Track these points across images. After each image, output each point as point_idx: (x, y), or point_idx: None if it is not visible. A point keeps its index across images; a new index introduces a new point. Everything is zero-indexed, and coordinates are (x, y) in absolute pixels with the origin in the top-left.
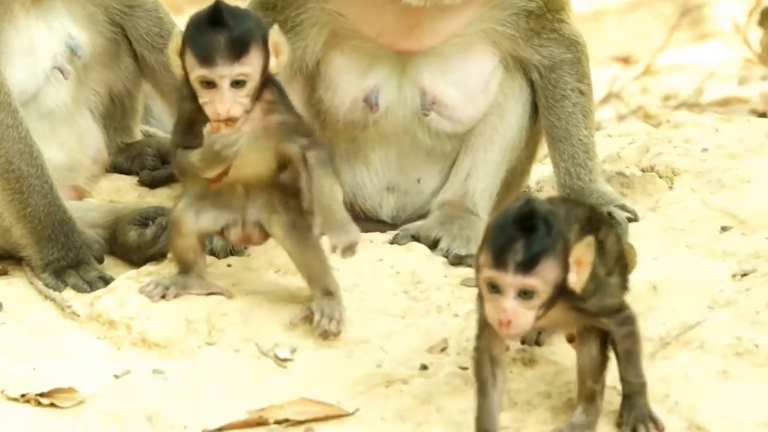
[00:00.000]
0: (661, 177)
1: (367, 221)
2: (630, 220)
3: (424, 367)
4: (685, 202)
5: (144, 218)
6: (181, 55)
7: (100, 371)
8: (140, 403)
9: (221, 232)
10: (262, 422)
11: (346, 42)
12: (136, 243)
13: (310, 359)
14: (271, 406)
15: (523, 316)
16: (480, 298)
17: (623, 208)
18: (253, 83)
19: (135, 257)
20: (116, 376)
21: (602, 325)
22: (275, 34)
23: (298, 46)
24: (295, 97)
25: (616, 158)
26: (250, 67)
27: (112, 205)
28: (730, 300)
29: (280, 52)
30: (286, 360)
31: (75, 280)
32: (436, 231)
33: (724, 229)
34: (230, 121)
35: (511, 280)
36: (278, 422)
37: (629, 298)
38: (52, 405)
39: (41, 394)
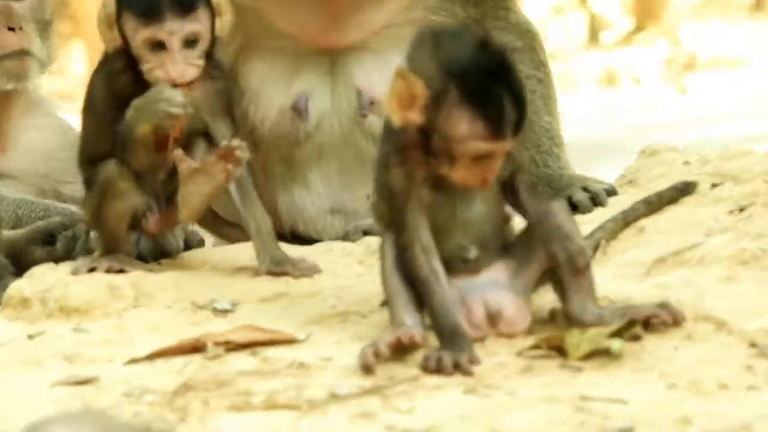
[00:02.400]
0: None
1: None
2: (608, 193)
3: (384, 304)
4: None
5: (46, 235)
6: (118, 22)
7: (12, 337)
8: (58, 350)
9: (135, 223)
10: (198, 347)
11: (263, 43)
12: (45, 261)
13: (253, 311)
14: (209, 332)
15: None
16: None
17: (597, 182)
18: (204, 44)
19: None
20: (30, 336)
21: None
22: None
23: None
24: None
25: None
26: (200, 24)
27: None
28: (729, 226)
29: (222, 12)
30: (226, 311)
31: None
32: None
33: (714, 185)
34: (182, 86)
35: (509, 145)
36: (218, 344)
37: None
38: None
39: None
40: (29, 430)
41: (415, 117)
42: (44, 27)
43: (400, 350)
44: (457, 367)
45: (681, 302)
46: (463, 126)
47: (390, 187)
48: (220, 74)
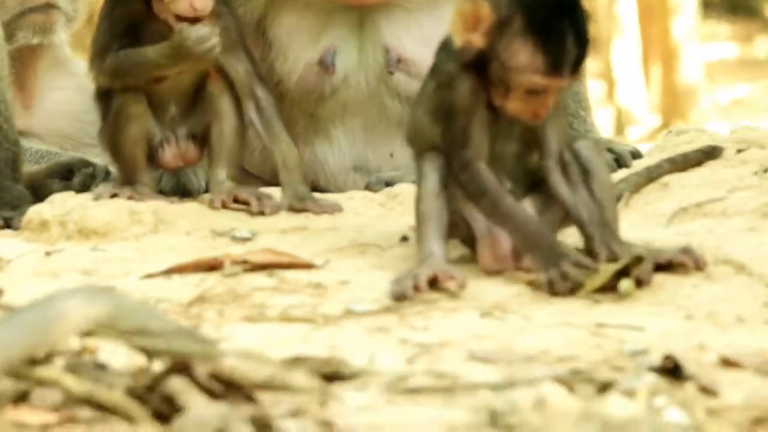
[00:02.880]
0: None
1: None
2: (633, 155)
3: (404, 239)
4: None
5: (66, 170)
6: None
7: (28, 254)
8: (75, 265)
9: (152, 155)
10: (215, 265)
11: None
12: None
13: (272, 241)
14: (227, 253)
15: None
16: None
17: (623, 144)
18: None
19: None
20: (47, 253)
21: None
22: None
23: (239, 3)
24: None
25: None
26: None
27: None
28: (752, 185)
29: None
30: (245, 239)
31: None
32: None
33: (740, 151)
34: (198, 19)
35: (565, 83)
36: (235, 263)
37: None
38: None
39: None
40: (48, 298)
41: (477, 40)
42: None
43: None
44: (566, 278)
45: (702, 247)
46: (523, 57)
47: (454, 103)
48: (227, 10)
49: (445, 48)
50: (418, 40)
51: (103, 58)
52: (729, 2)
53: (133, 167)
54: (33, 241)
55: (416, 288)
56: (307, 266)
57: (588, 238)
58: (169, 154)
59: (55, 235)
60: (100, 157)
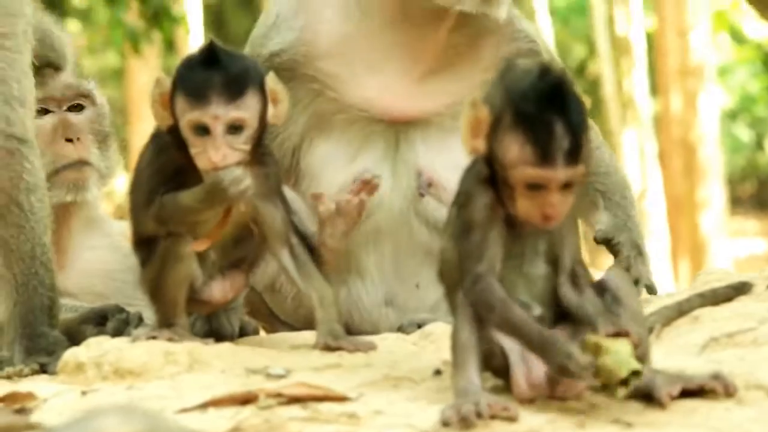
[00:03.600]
0: None
1: None
2: None
3: (438, 372)
4: None
5: (100, 316)
6: (171, 100)
7: (65, 393)
8: (110, 403)
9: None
10: (250, 398)
11: (332, 119)
12: None
13: (306, 377)
14: (261, 387)
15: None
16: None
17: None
18: (250, 131)
19: None
20: (83, 393)
21: None
22: (272, 81)
23: (277, 132)
24: None
25: None
26: (247, 111)
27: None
28: None
29: (278, 100)
30: (279, 376)
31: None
32: (444, 317)
33: None
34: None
35: (561, 174)
36: (270, 396)
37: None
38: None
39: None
40: (82, 418)
41: (480, 144)
42: (103, 139)
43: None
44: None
45: (733, 374)
46: (513, 150)
47: (470, 218)
48: (270, 158)
49: (465, 169)
50: (449, 163)
51: (148, 205)
52: (757, 198)
53: (173, 310)
54: (69, 383)
55: (478, 414)
56: (342, 399)
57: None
58: (216, 290)
59: (90, 377)
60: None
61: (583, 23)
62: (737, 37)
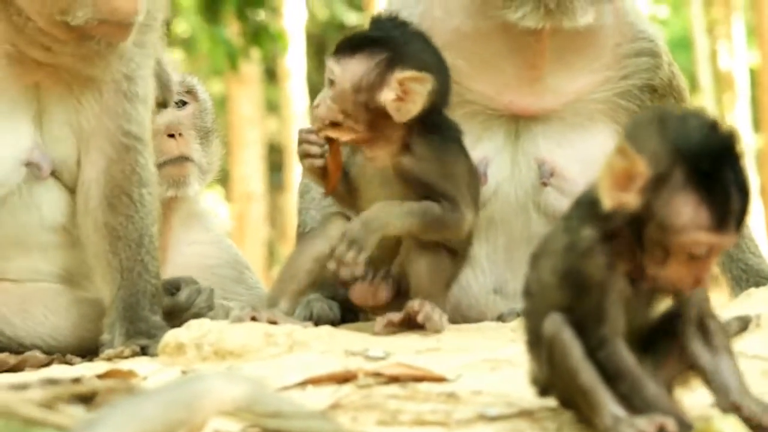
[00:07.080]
0: None
1: None
2: None
3: None
4: None
5: (173, 286)
6: None
7: (165, 372)
8: None
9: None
10: (349, 377)
11: (454, 112)
12: (169, 309)
13: (405, 359)
14: (360, 367)
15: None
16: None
17: None
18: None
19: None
20: (183, 371)
21: None
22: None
23: None
24: None
25: None
26: None
27: None
28: None
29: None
30: (378, 359)
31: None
32: None
33: None
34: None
35: (730, 240)
36: (369, 375)
37: None
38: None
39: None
40: (188, 379)
41: (631, 200)
42: (205, 135)
43: None
44: None
45: None
46: (686, 213)
47: (585, 277)
48: (431, 155)
49: (583, 205)
50: (570, 156)
51: None
52: None
53: (287, 286)
54: (169, 363)
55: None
56: (440, 379)
57: (736, 407)
58: (359, 291)
59: (191, 357)
60: None
61: (686, 57)
62: None
